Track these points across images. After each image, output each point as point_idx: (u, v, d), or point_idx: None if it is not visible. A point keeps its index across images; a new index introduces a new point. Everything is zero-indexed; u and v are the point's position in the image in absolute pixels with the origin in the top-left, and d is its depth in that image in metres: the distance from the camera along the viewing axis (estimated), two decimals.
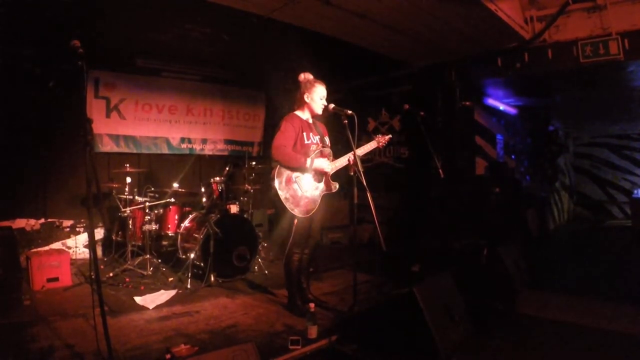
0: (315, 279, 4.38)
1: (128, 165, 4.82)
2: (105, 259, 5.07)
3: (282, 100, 6.18)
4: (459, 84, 5.84)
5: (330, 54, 5.22)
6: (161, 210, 4.78)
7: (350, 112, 3.11)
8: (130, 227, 4.64)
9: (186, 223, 4.63)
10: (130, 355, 2.63)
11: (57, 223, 5.28)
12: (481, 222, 5.65)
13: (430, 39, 4.90)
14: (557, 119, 9.26)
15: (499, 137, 7.36)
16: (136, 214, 4.69)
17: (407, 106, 4.20)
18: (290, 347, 2.72)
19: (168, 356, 2.35)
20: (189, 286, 4.05)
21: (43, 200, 5.16)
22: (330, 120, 3.57)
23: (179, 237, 4.57)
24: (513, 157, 7.99)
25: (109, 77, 5.61)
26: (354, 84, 6.84)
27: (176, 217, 4.79)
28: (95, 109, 5.52)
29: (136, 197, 4.71)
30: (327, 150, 3.42)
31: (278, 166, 3.20)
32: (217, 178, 4.72)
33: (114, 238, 5.00)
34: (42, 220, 5.17)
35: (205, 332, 3.05)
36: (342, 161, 3.35)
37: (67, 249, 5.17)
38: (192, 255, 4.22)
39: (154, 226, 4.62)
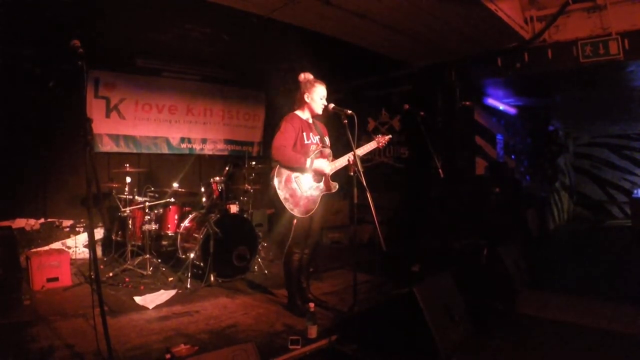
0: (315, 279, 4.38)
1: (128, 165, 4.83)
2: (105, 259, 5.07)
3: (282, 100, 6.18)
4: (459, 84, 5.84)
5: (330, 54, 5.22)
6: (161, 210, 4.78)
7: (350, 112, 3.11)
8: (130, 227, 4.64)
9: (186, 223, 4.63)
10: (130, 355, 2.63)
11: (57, 223, 5.28)
12: (481, 222, 5.65)
13: (430, 39, 4.90)
14: (557, 119, 9.26)
15: (499, 137, 7.36)
16: (136, 214, 4.69)
17: (407, 106, 4.20)
18: (290, 347, 2.72)
19: (168, 356, 2.35)
20: (188, 286, 4.05)
21: (43, 200, 5.17)
22: (330, 120, 3.57)
23: (179, 237, 4.57)
24: (513, 157, 7.99)
25: (109, 77, 5.62)
26: (354, 84, 6.84)
27: (176, 217, 4.79)
28: (95, 109, 5.52)
29: (136, 197, 4.71)
30: (327, 151, 3.42)
31: (278, 166, 3.20)
32: (217, 178, 4.72)
33: (113, 238, 5.00)
34: (42, 220, 5.17)
35: (205, 332, 3.05)
36: (342, 161, 3.35)
37: (67, 249, 5.17)
38: (192, 255, 4.22)
39: (153, 226, 4.62)
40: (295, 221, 3.23)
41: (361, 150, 3.41)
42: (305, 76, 3.37)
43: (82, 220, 5.42)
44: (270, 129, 6.82)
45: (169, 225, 4.75)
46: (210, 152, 6.70)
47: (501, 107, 7.36)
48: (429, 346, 2.45)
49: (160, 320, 3.25)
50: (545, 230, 7.93)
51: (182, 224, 4.65)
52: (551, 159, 9.37)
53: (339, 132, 3.35)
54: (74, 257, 5.22)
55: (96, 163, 2.53)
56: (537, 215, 7.46)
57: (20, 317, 3.27)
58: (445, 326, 2.62)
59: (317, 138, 3.40)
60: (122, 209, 4.61)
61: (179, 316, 3.35)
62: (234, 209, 4.67)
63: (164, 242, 4.82)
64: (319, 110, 3.35)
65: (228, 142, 6.90)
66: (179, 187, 4.92)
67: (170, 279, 4.29)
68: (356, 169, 3.19)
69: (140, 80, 5.90)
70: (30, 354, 2.63)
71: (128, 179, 4.65)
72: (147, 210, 4.59)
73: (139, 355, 2.64)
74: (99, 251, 5.30)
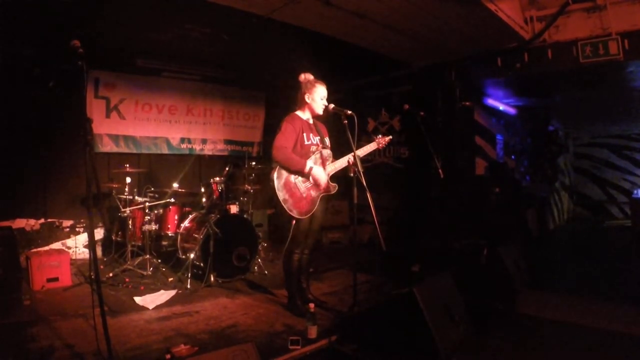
0: (315, 279, 4.38)
1: (128, 165, 4.83)
2: (105, 259, 5.06)
3: (282, 101, 6.18)
4: (459, 84, 5.84)
5: (330, 54, 5.22)
6: (161, 211, 4.78)
7: (350, 112, 3.11)
8: (130, 227, 4.64)
9: (186, 223, 4.63)
10: (130, 355, 2.63)
11: (57, 223, 5.28)
12: (481, 222, 5.65)
13: (430, 39, 4.90)
14: (557, 119, 9.26)
15: (498, 137, 7.36)
16: (136, 214, 4.69)
17: (407, 106, 4.21)
18: (290, 347, 2.72)
19: (168, 356, 2.35)
20: (188, 286, 4.05)
21: (43, 200, 5.16)
22: (330, 121, 3.57)
23: (179, 237, 4.57)
24: (513, 157, 7.99)
25: (109, 77, 5.61)
26: (354, 84, 6.84)
27: (176, 217, 4.79)
28: (95, 109, 5.52)
29: (136, 197, 4.71)
30: (327, 152, 3.42)
31: (278, 167, 3.20)
32: (217, 178, 4.72)
33: (113, 238, 5.00)
34: (42, 220, 5.16)
35: (205, 332, 3.05)
36: (342, 162, 3.35)
37: (67, 249, 5.16)
38: (192, 256, 4.22)
39: (153, 226, 4.62)
40: (294, 222, 3.23)
41: (361, 152, 3.41)
42: (306, 76, 3.37)
43: (82, 220, 5.42)
44: (270, 129, 6.81)
45: (169, 226, 4.75)
46: (210, 153, 6.69)
47: (501, 107, 7.36)
48: (429, 346, 2.45)
49: (160, 321, 3.25)
50: (545, 230, 7.94)
51: (182, 224, 4.65)
52: (551, 159, 9.37)
53: (339, 132, 3.35)
54: (74, 257, 5.22)
55: (96, 163, 2.54)
56: (537, 215, 7.47)
57: (20, 317, 3.27)
58: (445, 326, 2.62)
59: (317, 139, 3.40)
60: (122, 209, 4.61)
61: (179, 316, 3.35)
62: (234, 209, 4.67)
63: (164, 243, 4.82)
64: (319, 110, 3.35)
65: (228, 142, 6.90)
66: (179, 188, 4.92)
67: (170, 279, 4.29)
68: (356, 169, 3.19)
69: (140, 80, 5.89)
70: (30, 354, 2.63)
71: (128, 179, 4.65)
72: (147, 211, 4.59)
73: (139, 356, 2.64)
74: (99, 251, 5.29)
